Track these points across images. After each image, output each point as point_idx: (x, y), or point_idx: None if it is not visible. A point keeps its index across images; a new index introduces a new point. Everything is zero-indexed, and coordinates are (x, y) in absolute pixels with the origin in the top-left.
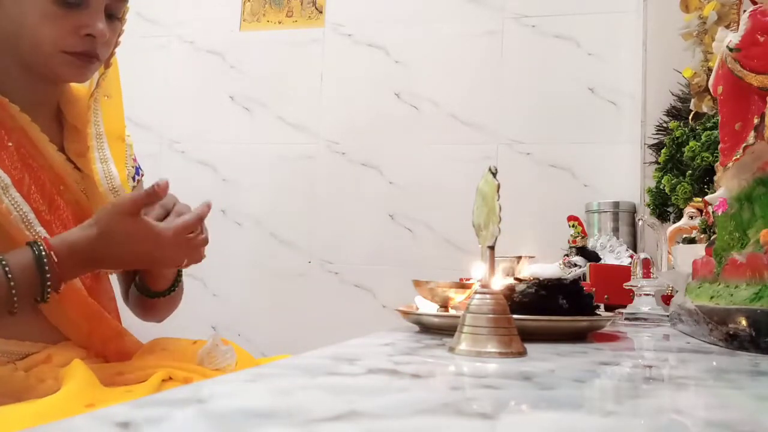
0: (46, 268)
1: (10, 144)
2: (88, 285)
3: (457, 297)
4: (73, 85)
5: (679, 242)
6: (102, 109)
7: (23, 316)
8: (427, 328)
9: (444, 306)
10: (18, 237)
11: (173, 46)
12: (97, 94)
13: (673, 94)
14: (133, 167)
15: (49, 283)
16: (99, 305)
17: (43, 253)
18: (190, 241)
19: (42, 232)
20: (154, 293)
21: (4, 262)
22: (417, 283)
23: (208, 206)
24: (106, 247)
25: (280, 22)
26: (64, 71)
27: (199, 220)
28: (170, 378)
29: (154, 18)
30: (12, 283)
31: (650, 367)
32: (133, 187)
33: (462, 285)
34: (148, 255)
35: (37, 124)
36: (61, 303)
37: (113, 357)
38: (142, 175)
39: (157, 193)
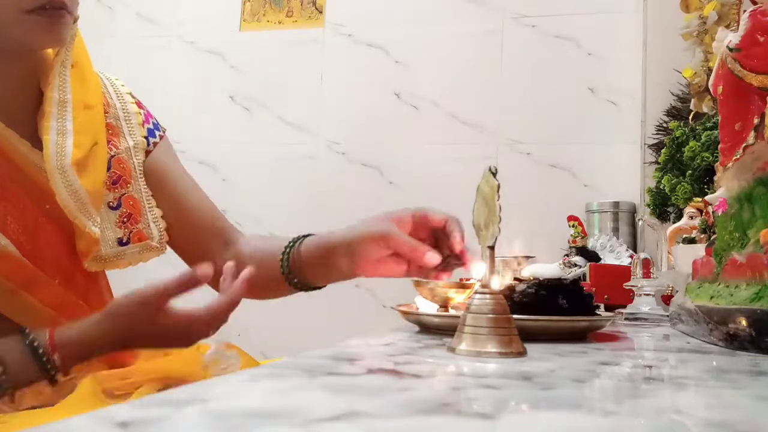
0: (48, 366)
1: None
2: (83, 288)
3: (457, 297)
4: (49, 50)
5: (679, 242)
6: (71, 76)
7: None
8: (427, 328)
9: (444, 306)
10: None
11: (173, 46)
12: (65, 57)
13: (673, 94)
14: (142, 137)
15: (53, 373)
16: (94, 309)
17: (41, 351)
18: (218, 321)
19: (26, 262)
20: (314, 287)
21: None
22: (417, 283)
23: (245, 285)
24: (124, 341)
25: (280, 22)
26: (34, 37)
27: (233, 303)
28: (170, 385)
29: (154, 18)
30: (3, 377)
31: (650, 367)
32: (155, 143)
33: (462, 285)
34: (171, 342)
35: (15, 125)
36: (57, 322)
37: (116, 361)
38: (164, 131)
39: (195, 282)
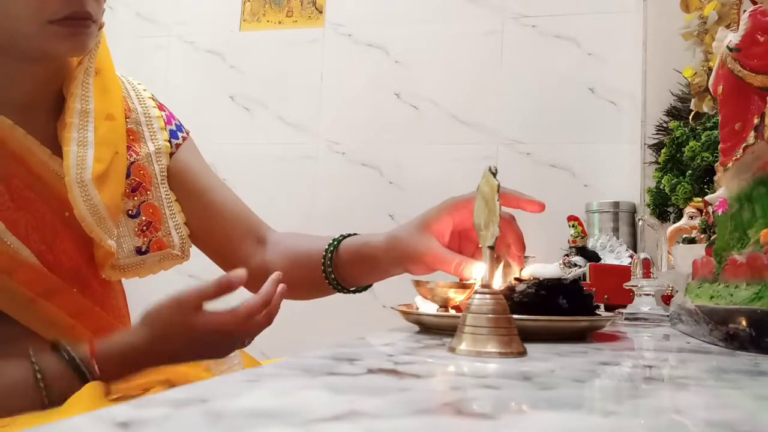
0: (88, 376)
1: None
2: (99, 295)
3: (457, 297)
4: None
5: (679, 242)
6: (94, 85)
7: (21, 342)
8: (427, 328)
9: (444, 306)
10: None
11: (173, 46)
12: (88, 65)
13: (673, 94)
14: (164, 141)
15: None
16: (110, 316)
17: (78, 362)
18: (255, 324)
19: (46, 272)
20: (355, 290)
21: (37, 369)
22: (417, 283)
23: (276, 285)
24: (164, 351)
25: (280, 22)
26: (57, 46)
27: (265, 303)
28: (172, 385)
29: (154, 18)
30: (45, 393)
31: (650, 367)
32: (177, 144)
33: (462, 285)
34: (211, 349)
35: (36, 133)
36: (75, 329)
37: None
38: (188, 132)
39: (230, 286)
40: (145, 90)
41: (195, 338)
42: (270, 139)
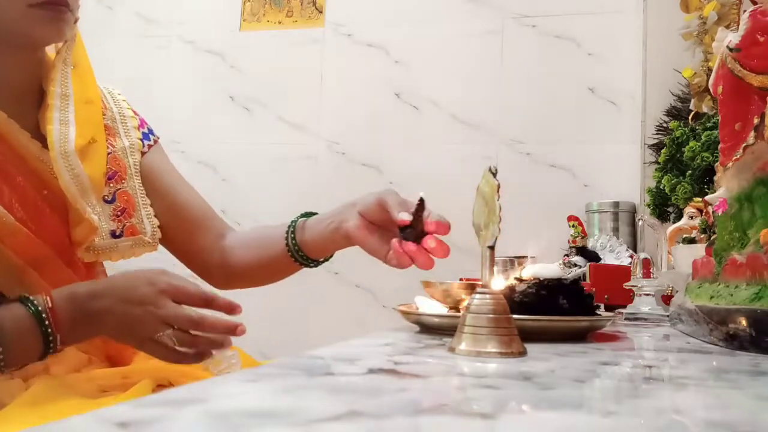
0: (47, 322)
1: None
2: (84, 275)
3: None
4: (50, 52)
5: (679, 242)
6: (72, 75)
7: None
8: (427, 328)
9: (455, 307)
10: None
11: (173, 46)
12: (66, 55)
13: (673, 94)
14: (137, 139)
15: (51, 338)
16: None
17: (40, 308)
18: (177, 317)
19: (35, 239)
20: (315, 261)
21: None
22: (427, 284)
23: (228, 304)
24: (108, 304)
25: (280, 22)
26: (38, 30)
27: (205, 299)
28: (170, 384)
29: (154, 18)
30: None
31: (650, 367)
32: (149, 145)
33: (473, 286)
34: (142, 329)
35: (16, 116)
36: None
37: (116, 355)
38: (158, 138)
39: (218, 307)
40: (119, 94)
41: (136, 312)
42: (270, 139)
